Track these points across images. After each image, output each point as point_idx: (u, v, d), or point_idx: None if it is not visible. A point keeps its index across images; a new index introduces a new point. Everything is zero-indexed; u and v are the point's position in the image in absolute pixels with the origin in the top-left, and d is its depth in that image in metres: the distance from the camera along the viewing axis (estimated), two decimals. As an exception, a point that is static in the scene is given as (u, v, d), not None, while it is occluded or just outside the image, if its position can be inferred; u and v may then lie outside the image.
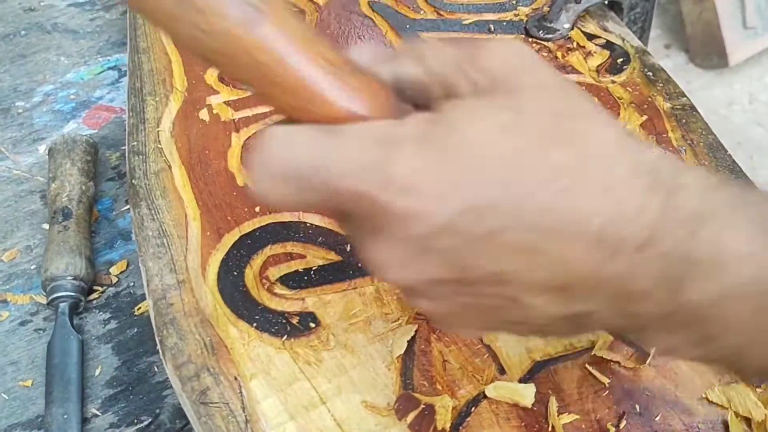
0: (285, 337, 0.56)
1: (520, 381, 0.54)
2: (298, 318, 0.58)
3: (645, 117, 0.72)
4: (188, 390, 0.53)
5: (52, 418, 0.65)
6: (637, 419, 0.52)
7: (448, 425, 0.51)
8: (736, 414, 0.52)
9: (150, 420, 0.67)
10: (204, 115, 0.74)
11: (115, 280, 0.77)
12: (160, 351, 0.57)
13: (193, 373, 0.54)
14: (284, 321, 0.57)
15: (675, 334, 0.38)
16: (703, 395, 0.53)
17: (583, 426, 0.52)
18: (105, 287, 0.77)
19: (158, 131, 0.72)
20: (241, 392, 0.53)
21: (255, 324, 0.57)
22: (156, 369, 0.71)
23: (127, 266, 0.78)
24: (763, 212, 0.37)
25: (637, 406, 0.53)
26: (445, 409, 0.51)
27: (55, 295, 0.72)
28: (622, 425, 0.52)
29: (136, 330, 0.74)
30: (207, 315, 0.57)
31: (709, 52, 2.75)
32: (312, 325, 0.57)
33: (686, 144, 0.70)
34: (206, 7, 0.36)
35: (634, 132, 0.39)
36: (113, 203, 0.85)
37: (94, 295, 0.76)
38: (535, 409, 0.52)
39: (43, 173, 0.86)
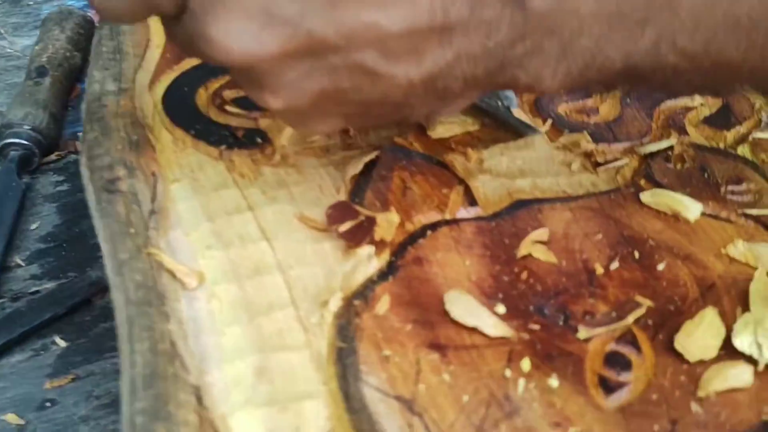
0: (224, 147, 0.47)
1: (495, 215, 0.44)
2: (243, 132, 0.49)
3: None
4: (96, 178, 0.45)
5: (-30, 255, 0.57)
6: (634, 264, 0.41)
7: (389, 238, 0.41)
8: (743, 274, 0.40)
9: (75, 275, 0.58)
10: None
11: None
12: (79, 148, 0.48)
13: (107, 164, 0.45)
14: (228, 134, 0.49)
15: (535, 56, 0.37)
16: (723, 251, 0.42)
17: (564, 263, 0.41)
18: (67, 153, 0.69)
19: None
20: (155, 186, 0.44)
21: (193, 132, 0.48)
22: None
23: (97, 137, 0.71)
24: None
25: (637, 253, 0.41)
26: (388, 222, 0.41)
27: (6, 141, 0.65)
28: (612, 267, 0.40)
29: (88, 195, 0.66)
30: (140, 118, 0.49)
31: None
32: (259, 140, 0.48)
33: None
34: None
35: None
36: (99, 83, 0.78)
37: (52, 157, 0.68)
38: (506, 242, 0.42)
39: (36, 52, 0.81)
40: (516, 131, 0.50)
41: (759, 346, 0.36)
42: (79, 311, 0.56)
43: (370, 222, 0.41)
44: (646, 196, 0.45)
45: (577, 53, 0.36)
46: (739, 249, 0.41)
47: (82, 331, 0.55)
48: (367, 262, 0.39)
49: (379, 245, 0.40)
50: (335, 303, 0.37)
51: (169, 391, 0.33)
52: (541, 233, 0.42)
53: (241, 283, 0.39)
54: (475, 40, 0.35)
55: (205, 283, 0.39)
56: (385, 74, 0.36)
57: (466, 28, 0.35)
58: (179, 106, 0.51)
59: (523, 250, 0.41)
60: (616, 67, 0.38)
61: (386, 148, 0.48)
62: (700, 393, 0.35)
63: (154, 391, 0.33)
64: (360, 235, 0.41)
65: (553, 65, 0.37)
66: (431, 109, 0.40)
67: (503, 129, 0.51)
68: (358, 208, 0.42)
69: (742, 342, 0.36)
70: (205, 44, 0.36)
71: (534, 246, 0.41)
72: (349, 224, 0.41)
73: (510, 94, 0.53)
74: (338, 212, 0.42)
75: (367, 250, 0.39)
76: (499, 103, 0.52)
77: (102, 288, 0.57)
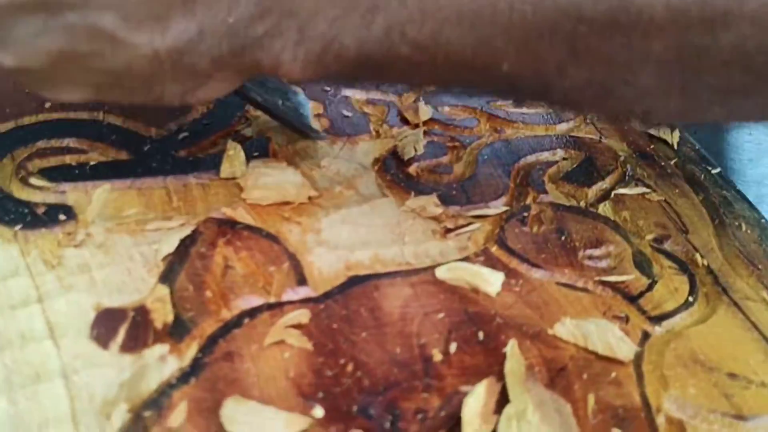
0: (20, 227, 0.41)
1: (325, 295, 0.38)
2: (45, 208, 0.42)
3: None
4: None
5: None
6: (477, 347, 0.36)
7: (170, 318, 0.35)
8: (597, 354, 0.36)
9: None
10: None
11: None
12: None
13: None
14: (27, 211, 0.42)
15: (275, 38, 0.36)
16: (550, 331, 0.37)
17: (398, 351, 0.35)
18: None
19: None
20: None
21: (-14, 211, 0.42)
22: None
23: None
24: None
25: (481, 334, 0.37)
26: (160, 301, 0.36)
27: None
28: (452, 350, 0.35)
29: None
30: (-75, 196, 0.43)
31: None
32: (62, 217, 0.42)
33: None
34: None
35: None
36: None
37: None
38: (335, 327, 0.37)
39: None
40: (303, 134, 0.50)
41: None
42: None
43: (143, 313, 0.35)
44: (441, 272, 0.40)
45: (314, 37, 0.36)
46: (566, 328, 0.37)
47: None
48: (160, 364, 0.33)
49: (188, 339, 0.35)
50: (119, 416, 0.31)
51: None
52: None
53: (12, 396, 0.33)
54: (218, 14, 0.35)
55: (-33, 398, 0.32)
56: (127, 41, 0.35)
57: None
58: (-30, 181, 0.44)
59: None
60: (351, 54, 0.36)
61: (211, 219, 0.42)
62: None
63: None
64: (142, 333, 0.35)
65: (292, 48, 0.36)
66: (185, 89, 0.38)
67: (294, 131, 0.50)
68: (116, 308, 0.36)
69: None
70: None
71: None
72: (123, 332, 0.35)
73: (301, 97, 0.51)
74: (104, 325, 0.35)
75: (157, 350, 0.34)
76: (287, 104, 0.50)
77: None
